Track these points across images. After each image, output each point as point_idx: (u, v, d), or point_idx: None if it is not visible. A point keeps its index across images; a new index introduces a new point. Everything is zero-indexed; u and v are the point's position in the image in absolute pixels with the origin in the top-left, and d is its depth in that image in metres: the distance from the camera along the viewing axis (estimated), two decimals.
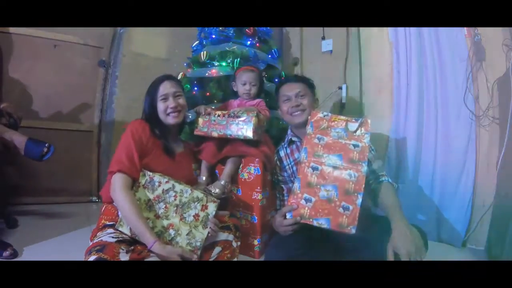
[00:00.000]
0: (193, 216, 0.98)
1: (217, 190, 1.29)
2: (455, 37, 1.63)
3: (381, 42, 1.97)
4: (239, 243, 1.07)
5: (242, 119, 1.34)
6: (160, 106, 1.16)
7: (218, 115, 1.39)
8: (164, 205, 0.98)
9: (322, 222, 0.96)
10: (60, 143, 1.65)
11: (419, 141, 1.76)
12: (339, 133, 1.06)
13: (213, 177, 1.44)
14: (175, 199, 0.99)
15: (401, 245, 0.85)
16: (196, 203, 0.98)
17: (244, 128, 1.34)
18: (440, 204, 1.67)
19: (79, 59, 2.23)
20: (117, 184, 0.97)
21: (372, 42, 2.02)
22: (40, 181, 2.06)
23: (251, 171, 1.40)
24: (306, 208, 0.99)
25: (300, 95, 1.29)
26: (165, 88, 1.16)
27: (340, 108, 2.11)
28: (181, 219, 0.97)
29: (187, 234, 0.96)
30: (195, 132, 1.43)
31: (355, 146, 1.03)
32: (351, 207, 0.95)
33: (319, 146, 1.05)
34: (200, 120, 1.42)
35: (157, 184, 1.00)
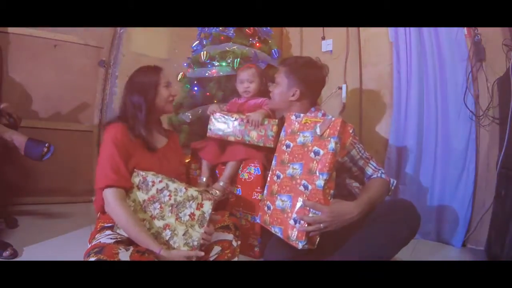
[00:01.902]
0: (189, 215, 0.94)
1: (217, 193, 1.29)
2: (455, 37, 1.63)
3: (381, 42, 1.97)
4: (239, 242, 1.07)
5: (263, 126, 1.33)
6: (164, 93, 1.13)
7: (235, 119, 1.35)
8: (159, 205, 0.96)
9: (276, 231, 0.96)
10: (60, 143, 1.64)
11: (419, 141, 1.76)
12: (306, 138, 0.95)
13: (213, 178, 1.44)
14: (169, 199, 0.96)
15: (331, 215, 0.87)
16: (191, 201, 0.95)
17: (264, 136, 1.33)
18: (440, 204, 1.67)
19: (79, 59, 2.22)
20: (110, 199, 0.93)
21: (372, 42, 2.02)
22: (40, 181, 2.06)
23: (251, 171, 1.40)
24: (267, 215, 1.00)
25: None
26: (166, 75, 1.16)
27: (340, 108, 2.11)
28: (176, 219, 0.95)
29: (183, 234, 0.94)
30: (208, 134, 1.38)
31: (316, 153, 0.90)
32: (301, 222, 0.88)
33: (286, 154, 0.99)
34: (214, 122, 1.38)
35: (150, 184, 0.97)
